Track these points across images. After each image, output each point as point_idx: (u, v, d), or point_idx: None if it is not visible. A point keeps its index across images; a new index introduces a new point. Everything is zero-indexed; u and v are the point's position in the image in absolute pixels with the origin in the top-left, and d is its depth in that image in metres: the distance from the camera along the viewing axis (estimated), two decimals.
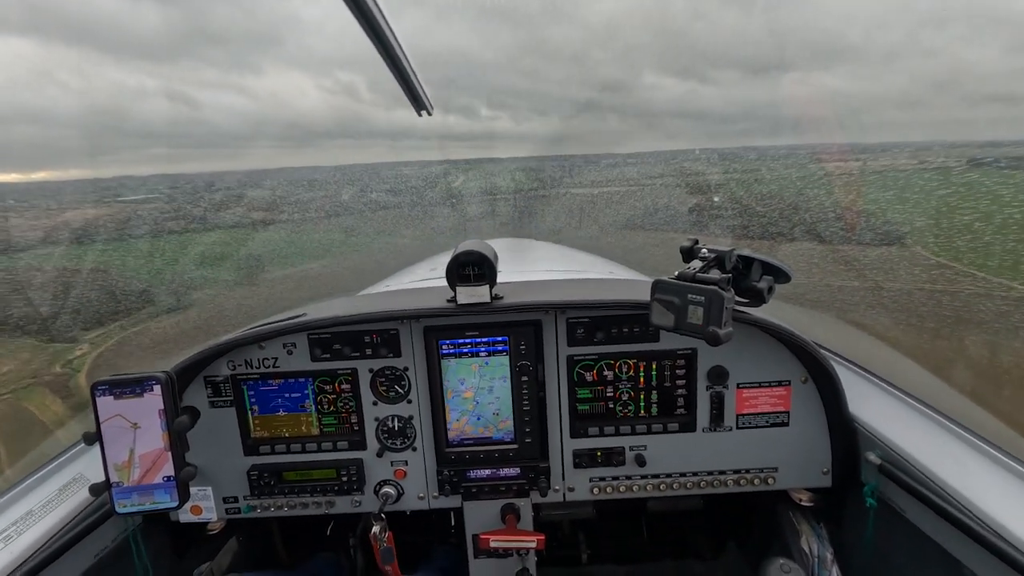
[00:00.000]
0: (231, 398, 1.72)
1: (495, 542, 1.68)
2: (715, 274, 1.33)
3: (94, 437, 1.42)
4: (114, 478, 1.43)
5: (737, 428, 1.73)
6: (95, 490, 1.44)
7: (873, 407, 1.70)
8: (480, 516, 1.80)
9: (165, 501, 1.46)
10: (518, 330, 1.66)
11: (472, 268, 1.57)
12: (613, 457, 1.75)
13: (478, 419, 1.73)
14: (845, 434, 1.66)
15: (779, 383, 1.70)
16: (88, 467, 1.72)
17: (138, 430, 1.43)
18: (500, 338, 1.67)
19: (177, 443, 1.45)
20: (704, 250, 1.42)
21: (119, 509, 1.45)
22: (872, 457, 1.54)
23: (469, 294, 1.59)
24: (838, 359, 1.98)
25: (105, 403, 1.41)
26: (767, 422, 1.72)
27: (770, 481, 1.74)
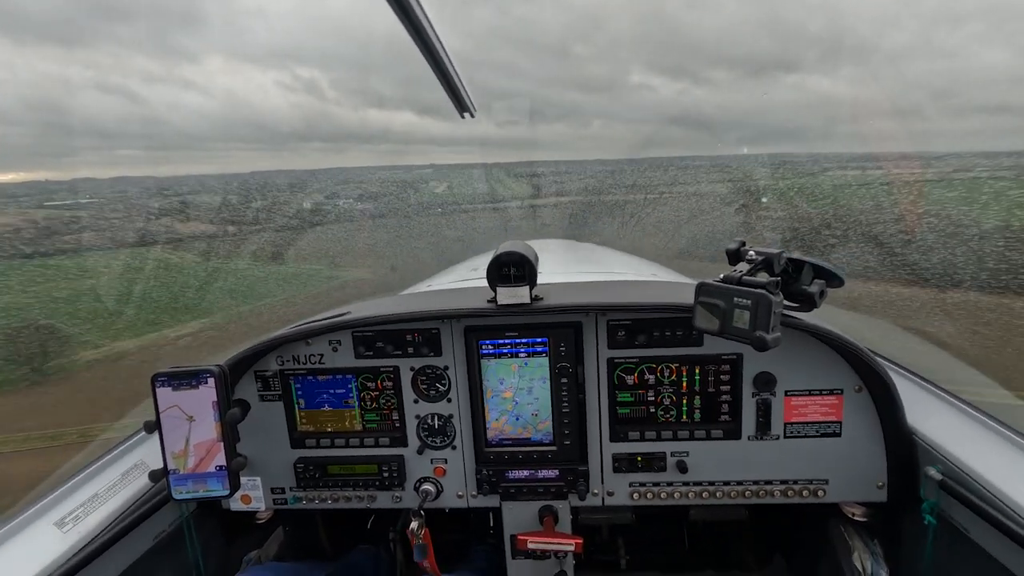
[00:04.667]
0: (279, 392, 1.79)
1: (533, 543, 1.68)
2: (763, 277, 1.29)
3: (154, 425, 1.50)
4: (171, 465, 1.51)
5: (785, 437, 1.67)
6: (154, 476, 1.52)
7: (934, 420, 1.60)
8: (518, 517, 1.80)
9: (217, 489, 1.52)
10: (558, 332, 1.65)
11: (512, 269, 1.57)
12: (654, 463, 1.72)
13: (517, 419, 1.73)
14: (902, 447, 1.58)
15: (831, 391, 1.63)
16: (147, 454, 1.82)
17: (193, 420, 1.50)
18: (540, 339, 1.66)
19: (229, 434, 1.52)
20: (751, 252, 1.37)
21: (176, 495, 1.52)
22: (933, 472, 1.45)
23: (509, 295, 1.59)
24: (895, 368, 1.88)
25: (164, 394, 1.49)
26: (817, 432, 1.65)
27: (820, 493, 1.67)
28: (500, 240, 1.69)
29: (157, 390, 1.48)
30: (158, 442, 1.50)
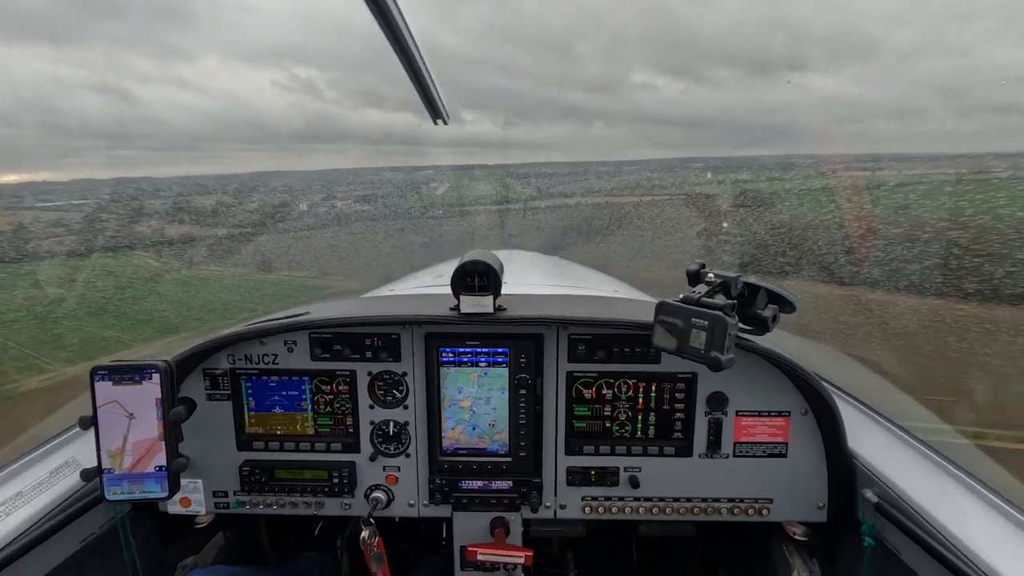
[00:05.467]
0: (228, 392, 1.73)
1: (483, 555, 1.67)
2: (720, 299, 1.33)
3: (90, 422, 1.42)
4: (106, 464, 1.43)
5: (734, 456, 1.71)
6: (86, 475, 1.43)
7: (872, 443, 1.68)
8: (469, 528, 1.78)
9: (155, 491, 1.46)
10: (519, 343, 1.65)
11: (477, 278, 1.57)
12: (607, 477, 1.74)
13: (473, 429, 1.72)
14: (843, 469, 1.64)
15: (779, 413, 1.68)
16: (81, 452, 1.72)
17: (133, 417, 1.43)
18: (501, 349, 1.66)
19: (171, 433, 1.45)
20: (710, 275, 1.42)
21: (109, 496, 1.44)
22: (869, 495, 1.52)
23: (472, 304, 1.59)
24: (839, 393, 1.97)
25: (103, 388, 1.41)
26: (764, 452, 1.70)
27: (764, 512, 1.72)
28: (481, 245, 1.69)
29: (96, 384, 1.41)
30: (93, 439, 1.42)
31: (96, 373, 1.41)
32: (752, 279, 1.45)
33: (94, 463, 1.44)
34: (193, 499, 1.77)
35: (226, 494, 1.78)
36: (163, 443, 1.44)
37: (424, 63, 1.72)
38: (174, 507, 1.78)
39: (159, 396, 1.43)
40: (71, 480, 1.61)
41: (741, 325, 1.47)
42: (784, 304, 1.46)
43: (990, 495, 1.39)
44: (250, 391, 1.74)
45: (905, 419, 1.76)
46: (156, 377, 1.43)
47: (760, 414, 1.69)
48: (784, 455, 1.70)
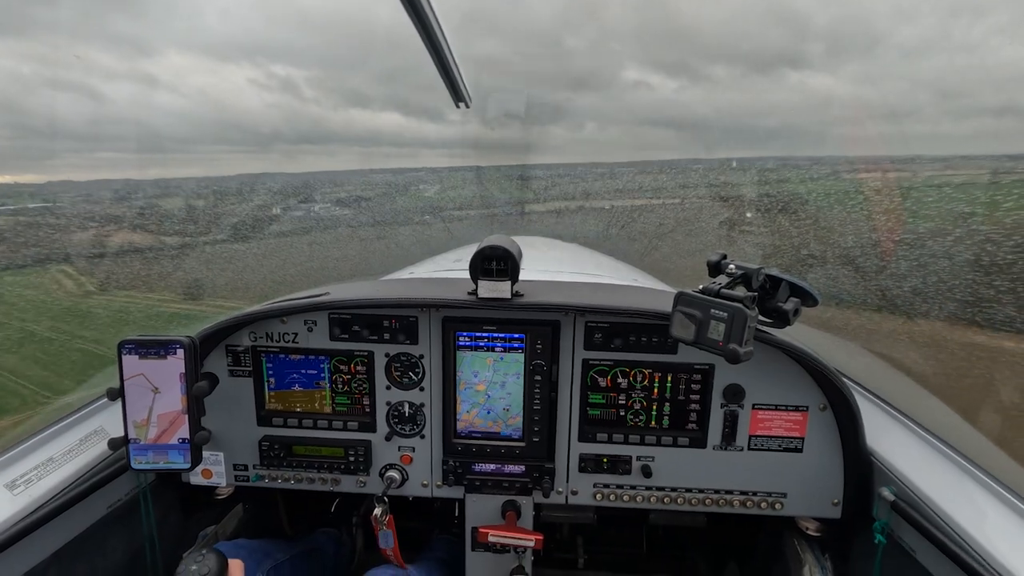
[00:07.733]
0: (250, 368, 1.76)
1: (493, 537, 1.69)
2: (741, 291, 1.31)
3: (117, 393, 1.46)
4: (132, 434, 1.48)
5: (748, 449, 1.70)
6: (114, 444, 1.48)
7: (892, 441, 1.65)
8: (481, 510, 1.80)
9: (178, 462, 1.50)
10: (536, 329, 1.66)
11: (495, 263, 1.57)
12: (619, 465, 1.74)
13: (488, 413, 1.74)
14: (860, 467, 1.62)
15: (796, 408, 1.66)
16: (108, 422, 1.78)
17: (158, 391, 1.47)
18: (517, 335, 1.67)
19: (194, 407, 1.49)
20: (731, 266, 1.40)
21: (135, 465, 1.49)
22: (886, 493, 1.50)
23: (490, 288, 1.59)
24: (859, 389, 1.93)
25: (130, 361, 1.45)
26: (780, 446, 1.69)
27: (777, 506, 1.71)
28: (485, 235, 1.68)
29: (123, 357, 1.45)
30: (120, 410, 1.47)
31: (124, 346, 1.45)
32: (774, 271, 1.43)
33: (121, 433, 1.49)
34: (214, 471, 1.83)
35: (246, 468, 1.83)
36: (186, 416, 1.48)
37: (447, 45, 1.71)
38: (196, 478, 1.84)
39: (183, 371, 1.47)
40: (99, 448, 1.67)
41: (761, 318, 1.45)
42: (806, 297, 1.44)
43: (1012, 498, 1.36)
44: (270, 369, 1.77)
45: (929, 419, 1.73)
46: (180, 352, 1.46)
47: (777, 408, 1.67)
48: (800, 450, 1.68)
